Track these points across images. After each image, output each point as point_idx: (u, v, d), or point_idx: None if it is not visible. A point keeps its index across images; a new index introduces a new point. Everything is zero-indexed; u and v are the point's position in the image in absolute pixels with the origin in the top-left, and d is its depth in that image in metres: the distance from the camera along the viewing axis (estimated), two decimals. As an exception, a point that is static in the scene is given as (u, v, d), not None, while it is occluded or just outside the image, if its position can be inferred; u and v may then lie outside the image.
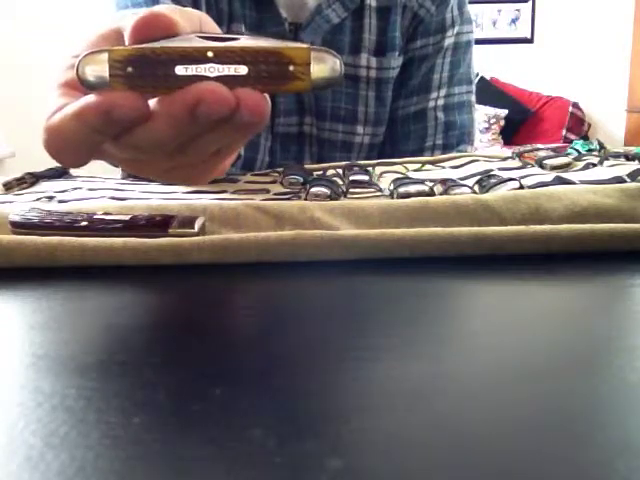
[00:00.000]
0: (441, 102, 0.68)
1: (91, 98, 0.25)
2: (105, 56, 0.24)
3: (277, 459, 0.13)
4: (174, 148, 0.27)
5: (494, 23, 3.67)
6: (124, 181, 0.49)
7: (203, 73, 0.24)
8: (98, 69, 0.24)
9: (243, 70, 0.24)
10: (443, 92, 0.68)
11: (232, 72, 0.24)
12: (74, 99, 0.27)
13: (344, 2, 0.63)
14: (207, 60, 0.24)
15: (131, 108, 0.24)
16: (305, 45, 0.25)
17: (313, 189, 0.36)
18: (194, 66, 0.24)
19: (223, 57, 0.24)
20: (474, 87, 0.71)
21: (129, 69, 0.24)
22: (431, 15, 0.66)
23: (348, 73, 0.65)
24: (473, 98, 0.71)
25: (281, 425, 0.14)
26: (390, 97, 0.68)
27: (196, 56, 0.24)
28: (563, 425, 0.14)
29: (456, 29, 0.67)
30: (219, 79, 0.24)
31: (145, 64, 0.24)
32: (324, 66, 0.25)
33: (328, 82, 0.25)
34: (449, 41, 0.67)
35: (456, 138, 0.69)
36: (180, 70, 0.24)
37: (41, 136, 0.27)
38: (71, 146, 0.27)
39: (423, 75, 0.68)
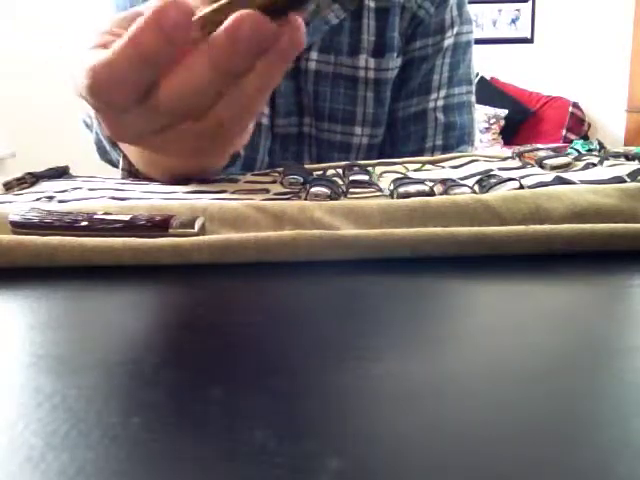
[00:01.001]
0: (441, 103, 0.68)
1: (141, 19, 0.25)
2: None
3: (277, 459, 0.13)
4: (210, 97, 0.27)
5: (494, 23, 3.68)
6: (124, 181, 0.49)
7: None
8: None
9: None
10: (443, 93, 0.68)
11: None
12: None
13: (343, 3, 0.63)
14: None
15: (182, 11, 0.24)
16: None
17: (313, 189, 0.36)
18: None
19: None
20: (474, 87, 0.71)
21: None
22: (430, 16, 0.66)
23: (347, 74, 0.65)
24: (473, 98, 0.71)
25: (281, 425, 0.14)
26: (389, 98, 0.68)
27: None
28: (563, 426, 0.14)
29: (455, 29, 0.67)
30: None
31: None
32: None
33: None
34: (448, 42, 0.67)
35: (456, 139, 0.69)
36: None
37: (77, 82, 0.27)
38: (122, 80, 0.26)
39: (423, 76, 0.68)
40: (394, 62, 0.66)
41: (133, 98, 0.27)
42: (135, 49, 0.25)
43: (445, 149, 0.68)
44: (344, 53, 0.65)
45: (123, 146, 0.51)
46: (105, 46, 0.29)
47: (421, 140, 0.69)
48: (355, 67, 0.65)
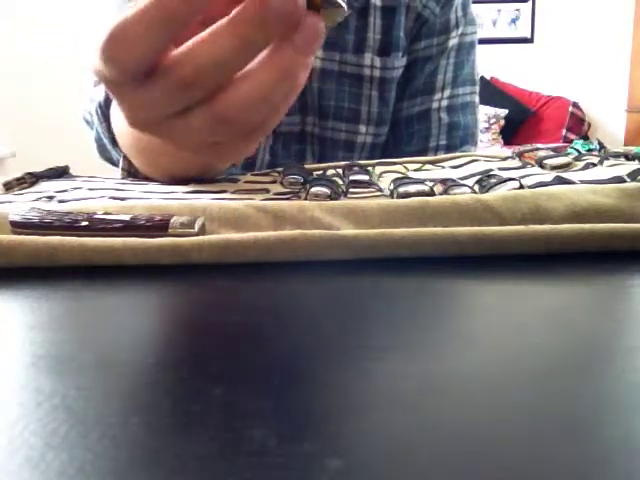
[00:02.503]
0: (445, 103, 0.68)
1: None
2: None
3: (277, 459, 0.13)
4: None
5: (494, 23, 3.68)
6: (124, 181, 0.49)
7: None
8: None
9: None
10: (447, 93, 0.68)
11: None
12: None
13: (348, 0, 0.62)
14: None
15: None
16: None
17: (313, 189, 0.36)
18: None
19: None
20: (478, 88, 0.71)
21: None
22: (435, 16, 0.66)
23: (352, 72, 0.65)
24: (477, 99, 0.71)
25: (281, 425, 0.14)
26: (393, 97, 0.68)
27: None
28: (563, 425, 0.14)
29: (460, 30, 0.68)
30: None
31: None
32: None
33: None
34: (453, 42, 0.67)
35: (460, 139, 0.69)
36: None
37: (96, 44, 0.26)
38: (141, 40, 0.25)
39: (427, 76, 0.68)
40: (399, 61, 0.66)
41: (145, 61, 0.26)
42: (154, 9, 0.24)
43: (449, 149, 0.68)
44: (349, 51, 0.65)
45: (122, 146, 0.51)
46: None
47: (425, 140, 0.69)
48: (360, 65, 0.65)
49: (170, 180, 0.47)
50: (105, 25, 0.26)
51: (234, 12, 0.25)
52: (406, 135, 0.69)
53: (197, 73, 0.26)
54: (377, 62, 0.65)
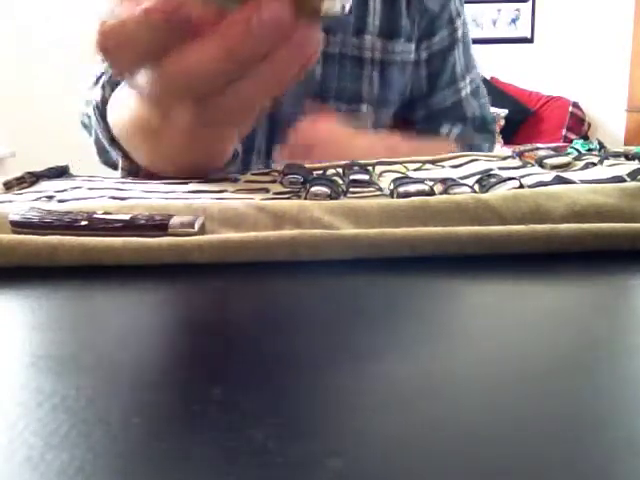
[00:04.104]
0: (468, 89, 0.73)
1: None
2: None
3: (277, 459, 0.13)
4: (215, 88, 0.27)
5: (494, 23, 3.68)
6: (124, 181, 0.49)
7: None
8: None
9: None
10: (468, 79, 0.73)
11: None
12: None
13: None
14: None
15: (198, 8, 0.25)
16: None
17: (313, 188, 0.36)
18: None
19: None
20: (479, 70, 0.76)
21: None
22: (441, 6, 0.69)
23: (353, 54, 0.67)
24: (481, 83, 0.76)
25: (281, 425, 0.14)
26: (397, 81, 0.70)
27: None
28: (563, 426, 0.14)
29: (462, 17, 0.72)
30: None
31: None
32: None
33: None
34: (460, 30, 0.72)
35: (489, 115, 0.75)
36: None
37: (94, 39, 0.27)
38: (132, 45, 0.27)
39: (448, 67, 0.72)
40: (402, 46, 0.68)
41: (141, 61, 0.27)
42: (146, 22, 0.25)
43: (484, 119, 0.73)
44: (350, 33, 0.66)
45: (121, 138, 0.51)
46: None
47: (462, 119, 0.73)
48: (361, 48, 0.67)
49: (172, 170, 0.46)
50: (98, 17, 0.27)
51: (222, 24, 0.26)
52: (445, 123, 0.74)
53: (180, 81, 0.27)
54: (378, 45, 0.67)
